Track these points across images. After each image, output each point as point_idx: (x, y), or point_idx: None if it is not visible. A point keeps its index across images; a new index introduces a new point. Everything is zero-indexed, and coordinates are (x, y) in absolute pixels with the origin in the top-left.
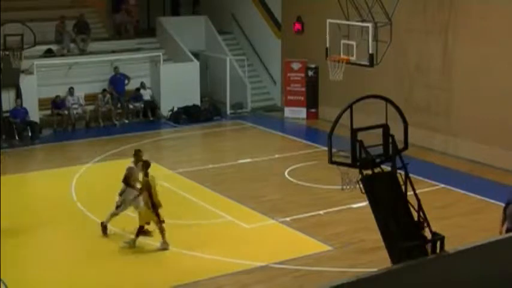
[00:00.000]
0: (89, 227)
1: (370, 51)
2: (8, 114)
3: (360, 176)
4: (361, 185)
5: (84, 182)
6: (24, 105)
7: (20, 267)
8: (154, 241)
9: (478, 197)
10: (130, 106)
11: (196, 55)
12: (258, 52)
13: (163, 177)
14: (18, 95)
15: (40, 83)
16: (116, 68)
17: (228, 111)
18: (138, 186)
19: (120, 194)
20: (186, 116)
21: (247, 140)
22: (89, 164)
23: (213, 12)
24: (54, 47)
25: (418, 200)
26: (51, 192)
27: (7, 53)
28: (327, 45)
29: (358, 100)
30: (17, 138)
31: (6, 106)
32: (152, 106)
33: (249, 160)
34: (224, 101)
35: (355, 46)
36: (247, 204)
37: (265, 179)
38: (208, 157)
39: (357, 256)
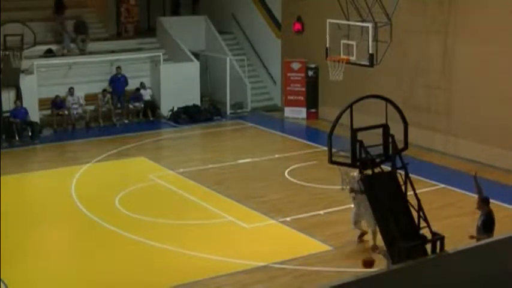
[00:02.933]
0: (88, 227)
1: (370, 51)
2: (8, 114)
3: (360, 175)
4: (361, 185)
5: (84, 181)
6: (24, 105)
7: (20, 267)
8: (153, 241)
9: None
10: (131, 106)
11: (196, 55)
12: (258, 52)
13: (164, 178)
14: (19, 95)
15: (40, 83)
16: (118, 68)
17: (228, 111)
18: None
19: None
20: (186, 116)
21: (247, 140)
22: (89, 164)
23: (213, 12)
24: (54, 47)
25: (418, 200)
26: (52, 192)
27: (7, 53)
28: (327, 45)
29: (358, 100)
30: (17, 138)
31: (6, 106)
32: (152, 106)
33: (249, 160)
34: (224, 101)
35: (355, 46)
36: (247, 204)
37: (265, 179)
38: (208, 157)
39: (357, 256)
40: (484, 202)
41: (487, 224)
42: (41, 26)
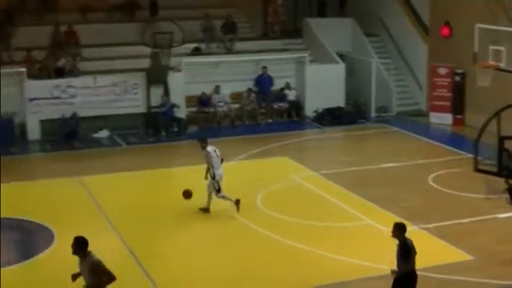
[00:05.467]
0: (230, 224)
1: None
2: (158, 110)
3: (507, 185)
4: (508, 195)
5: (227, 179)
6: (171, 101)
7: (166, 264)
8: (292, 241)
9: None
10: (275, 106)
11: (341, 57)
12: (404, 55)
13: (306, 178)
14: (166, 92)
15: (187, 80)
16: (264, 68)
17: (373, 114)
18: None
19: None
20: (330, 117)
21: (391, 144)
22: (233, 161)
23: (360, 14)
24: (201, 46)
25: None
26: (194, 188)
27: (157, 50)
28: (475, 51)
29: (506, 107)
30: (163, 133)
31: (155, 102)
32: (297, 106)
33: (392, 164)
34: (369, 103)
35: (504, 52)
36: (388, 209)
37: (407, 184)
38: (351, 160)
39: (500, 267)
40: (400, 229)
41: (405, 253)
42: (189, 24)
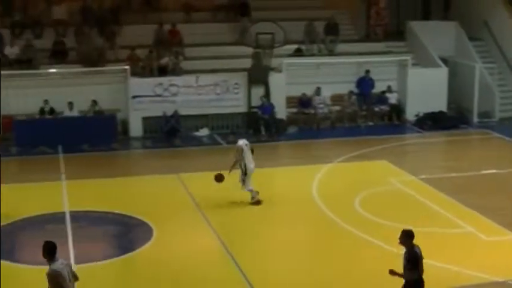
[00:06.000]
0: (327, 225)
1: None
2: (256, 110)
3: None
4: None
5: (325, 180)
6: (271, 101)
7: (257, 259)
8: (391, 245)
9: None
10: (376, 109)
11: (444, 61)
12: (508, 59)
13: (405, 182)
14: (267, 92)
15: (288, 81)
16: (367, 72)
17: (475, 120)
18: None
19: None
20: (432, 122)
21: (493, 150)
22: (332, 163)
23: (464, 17)
24: (303, 47)
25: None
26: (294, 188)
27: (259, 50)
28: None
29: None
30: (263, 133)
31: (256, 102)
32: (398, 110)
33: (493, 171)
34: (471, 109)
35: None
36: (489, 216)
37: (509, 192)
38: (451, 165)
39: None
40: (407, 236)
41: (413, 260)
42: (291, 25)
